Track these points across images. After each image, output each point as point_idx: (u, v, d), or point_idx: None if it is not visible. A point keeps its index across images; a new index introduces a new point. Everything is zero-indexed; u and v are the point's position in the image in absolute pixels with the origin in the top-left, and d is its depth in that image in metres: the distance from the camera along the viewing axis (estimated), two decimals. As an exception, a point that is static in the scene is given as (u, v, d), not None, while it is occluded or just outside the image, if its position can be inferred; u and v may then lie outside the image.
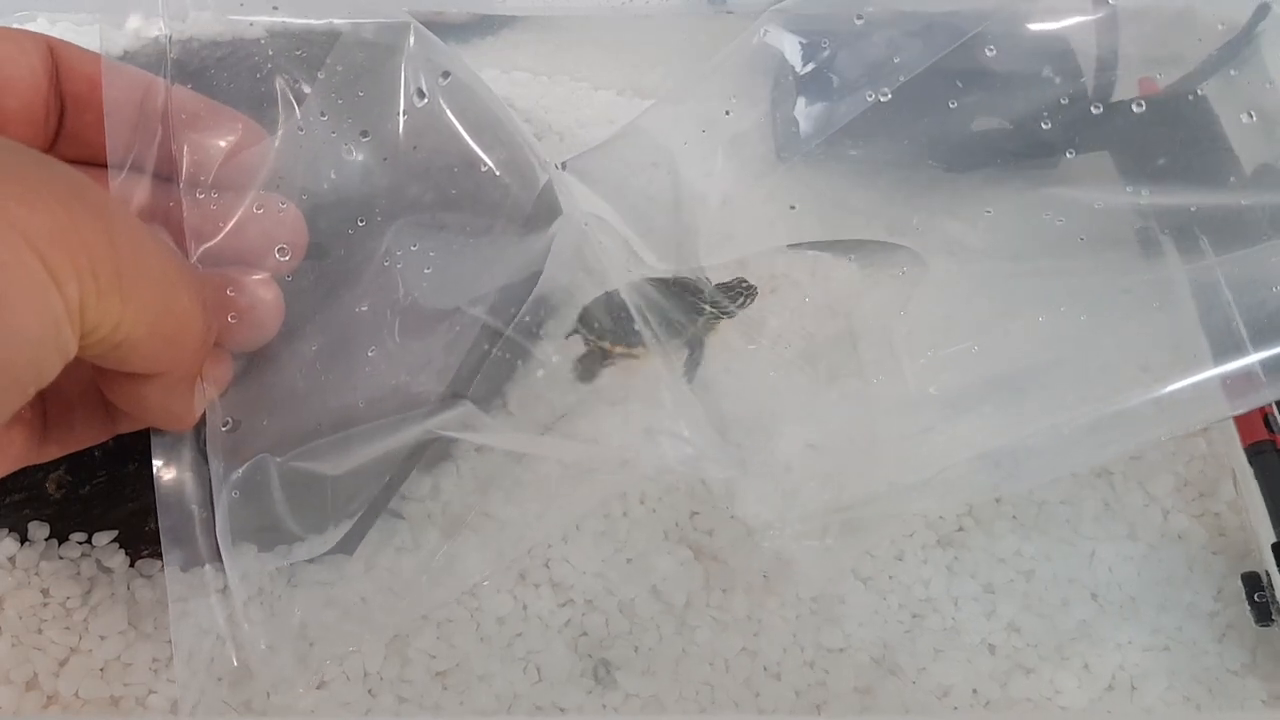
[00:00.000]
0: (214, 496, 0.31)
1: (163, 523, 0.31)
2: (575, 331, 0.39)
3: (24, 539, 0.37)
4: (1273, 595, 0.35)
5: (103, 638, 0.35)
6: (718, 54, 0.42)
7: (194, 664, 0.33)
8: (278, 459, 0.32)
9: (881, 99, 0.43)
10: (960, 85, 0.42)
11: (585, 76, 0.51)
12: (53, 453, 0.29)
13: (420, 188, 0.34)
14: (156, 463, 0.31)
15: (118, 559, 0.36)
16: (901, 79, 0.44)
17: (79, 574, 0.36)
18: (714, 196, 0.44)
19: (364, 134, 0.33)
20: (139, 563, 0.36)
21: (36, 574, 0.36)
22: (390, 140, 0.33)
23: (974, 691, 0.35)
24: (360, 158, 0.33)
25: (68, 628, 0.35)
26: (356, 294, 0.33)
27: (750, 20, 0.41)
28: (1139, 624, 0.36)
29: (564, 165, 0.39)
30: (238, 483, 0.31)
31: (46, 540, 0.37)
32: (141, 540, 0.36)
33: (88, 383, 0.29)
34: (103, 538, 0.36)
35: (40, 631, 0.35)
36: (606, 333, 0.38)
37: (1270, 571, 0.35)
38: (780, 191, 0.46)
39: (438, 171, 0.34)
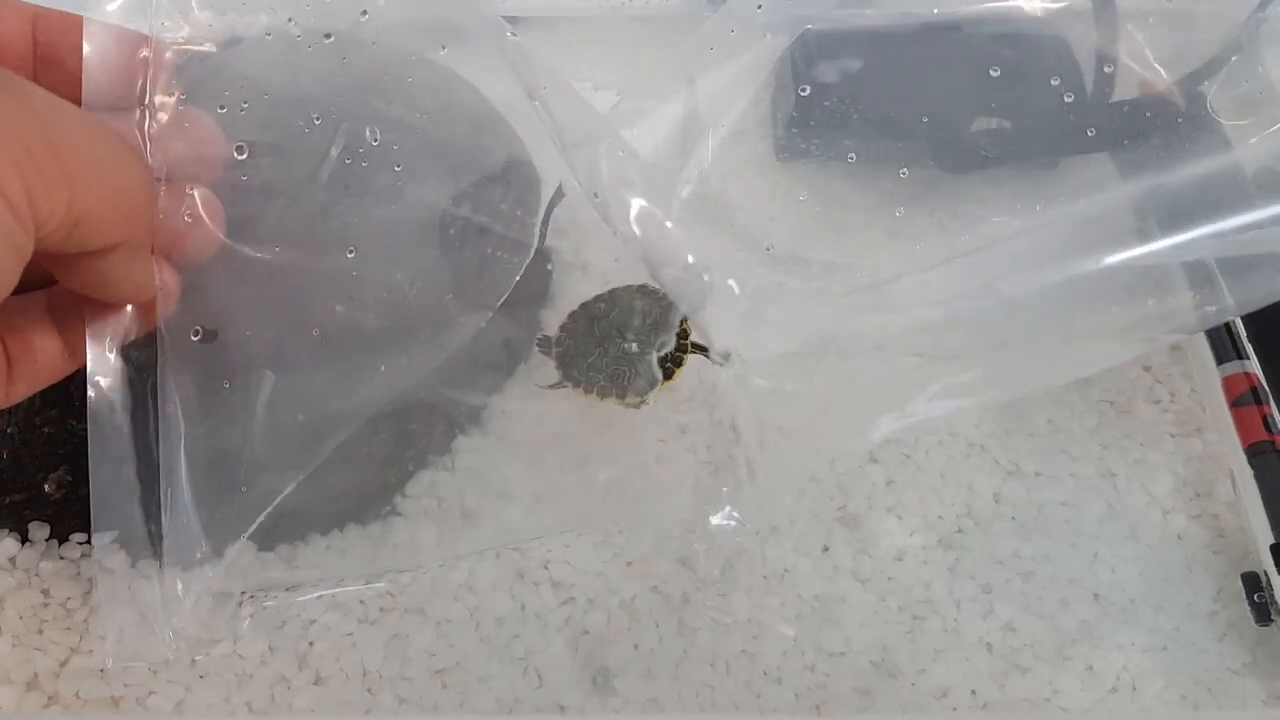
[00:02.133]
0: (161, 431, 0.30)
1: (95, 482, 0.30)
2: (561, 383, 0.38)
3: (24, 539, 0.37)
4: (1272, 595, 0.35)
5: (103, 638, 0.35)
6: (715, 51, 0.42)
7: (126, 640, 0.33)
8: (272, 374, 0.31)
9: (881, 97, 0.43)
10: (960, 86, 0.42)
11: (585, 76, 0.51)
12: (21, 391, 0.29)
13: (377, 82, 0.34)
14: (91, 432, 0.30)
15: (118, 559, 0.36)
16: (901, 78, 0.44)
17: (79, 574, 0.36)
18: (714, 195, 0.44)
19: (327, 36, 0.33)
20: (139, 563, 0.36)
21: (37, 574, 0.36)
22: (351, 39, 0.33)
23: (973, 692, 0.35)
24: (322, 57, 0.33)
25: (68, 628, 0.35)
26: (319, 190, 0.33)
27: (750, 20, 0.41)
28: (1139, 624, 0.36)
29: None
30: (217, 406, 0.30)
31: (47, 540, 0.37)
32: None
33: (41, 316, 0.29)
34: (103, 538, 0.36)
35: (41, 632, 0.35)
36: (598, 385, 0.37)
37: (1269, 571, 0.35)
38: (780, 190, 0.46)
39: (396, 65, 0.34)
